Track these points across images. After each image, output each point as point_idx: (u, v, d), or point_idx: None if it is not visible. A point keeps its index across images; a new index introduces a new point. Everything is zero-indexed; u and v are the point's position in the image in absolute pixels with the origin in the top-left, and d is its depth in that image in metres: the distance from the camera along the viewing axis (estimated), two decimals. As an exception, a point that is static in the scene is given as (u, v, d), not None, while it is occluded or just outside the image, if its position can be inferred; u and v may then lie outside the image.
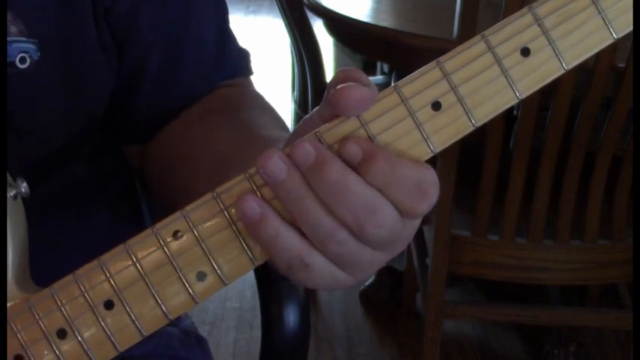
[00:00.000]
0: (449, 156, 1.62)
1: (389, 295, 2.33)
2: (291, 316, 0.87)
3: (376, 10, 2.13)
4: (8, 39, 0.68)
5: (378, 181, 0.52)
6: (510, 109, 1.87)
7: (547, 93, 1.58)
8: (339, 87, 0.52)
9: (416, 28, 1.90)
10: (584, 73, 1.55)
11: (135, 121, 0.79)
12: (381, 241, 0.53)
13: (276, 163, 0.52)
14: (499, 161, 1.64)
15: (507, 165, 1.64)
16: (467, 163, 1.67)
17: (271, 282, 0.88)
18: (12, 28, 0.68)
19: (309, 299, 0.90)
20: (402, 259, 2.23)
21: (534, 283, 1.87)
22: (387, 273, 2.33)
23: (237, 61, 0.82)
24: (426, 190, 0.52)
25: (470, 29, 1.49)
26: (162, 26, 0.75)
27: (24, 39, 0.69)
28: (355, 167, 0.52)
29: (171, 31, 0.76)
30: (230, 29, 0.82)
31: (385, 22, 2.00)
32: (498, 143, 1.63)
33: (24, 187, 0.58)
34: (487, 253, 1.72)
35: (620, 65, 1.56)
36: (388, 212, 0.52)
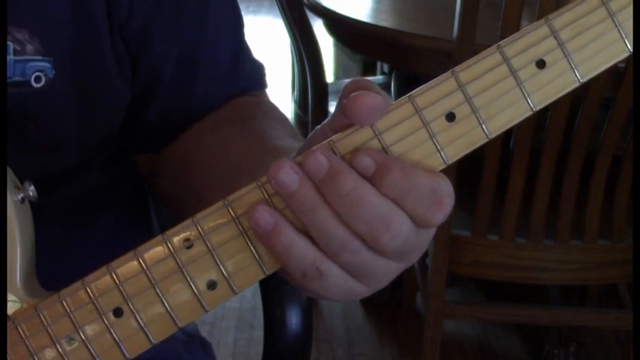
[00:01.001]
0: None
1: (389, 295, 2.32)
2: (293, 319, 0.87)
3: (376, 10, 2.13)
4: (24, 58, 0.68)
5: (393, 192, 0.52)
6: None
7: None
8: (352, 95, 0.52)
9: (416, 28, 1.90)
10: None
11: (148, 131, 0.79)
12: (395, 252, 0.53)
13: (287, 174, 0.52)
14: (499, 161, 1.64)
15: (507, 165, 1.64)
16: (467, 163, 1.67)
17: (274, 285, 0.88)
18: (28, 47, 0.68)
19: (311, 302, 0.90)
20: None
21: (534, 283, 1.87)
22: (387, 273, 2.32)
23: (252, 74, 0.82)
24: (442, 200, 0.52)
25: (470, 29, 1.49)
26: (177, 39, 0.75)
27: (40, 57, 0.68)
28: (369, 179, 0.52)
29: (186, 43, 0.76)
30: (245, 42, 0.82)
31: (385, 22, 2.00)
32: (498, 143, 1.63)
33: (31, 190, 0.58)
34: (487, 253, 1.72)
35: (620, 65, 1.56)
36: (403, 223, 0.52)
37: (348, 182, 0.51)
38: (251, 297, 2.38)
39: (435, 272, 1.74)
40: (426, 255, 1.83)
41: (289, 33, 2.30)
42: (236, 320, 2.31)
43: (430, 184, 0.52)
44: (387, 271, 0.54)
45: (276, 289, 0.90)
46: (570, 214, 1.67)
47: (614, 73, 1.56)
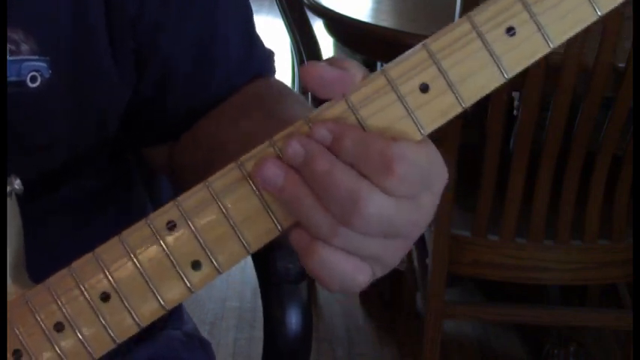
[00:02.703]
0: (449, 156, 1.62)
1: (389, 295, 2.32)
2: (293, 319, 0.87)
3: (376, 10, 2.13)
4: (20, 58, 0.68)
5: (347, 159, 0.50)
6: (510, 109, 1.87)
7: (547, 93, 1.59)
8: (301, 67, 0.53)
9: (416, 28, 1.90)
10: (584, 73, 1.55)
11: (163, 121, 0.79)
12: (380, 231, 0.51)
13: (270, 170, 0.52)
14: (499, 161, 1.64)
15: (507, 165, 1.64)
16: (467, 163, 1.67)
17: (273, 284, 0.88)
18: (23, 47, 0.68)
19: (311, 302, 0.90)
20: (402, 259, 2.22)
21: (534, 283, 1.87)
22: (387, 273, 2.32)
23: (263, 61, 0.82)
24: (390, 164, 0.49)
25: (470, 29, 1.49)
26: (190, 30, 0.75)
27: (35, 57, 0.68)
28: (330, 151, 0.51)
29: (199, 34, 0.76)
30: (255, 30, 0.82)
31: (385, 22, 2.00)
32: (498, 143, 1.63)
33: (17, 184, 0.58)
34: (487, 253, 1.72)
35: (620, 65, 1.56)
36: (371, 199, 0.50)
37: (322, 163, 0.50)
38: (251, 297, 2.38)
39: (435, 272, 1.74)
40: (426, 255, 1.83)
41: (289, 33, 2.30)
42: (236, 320, 2.31)
43: (379, 147, 0.50)
44: (387, 249, 0.53)
45: (275, 289, 0.90)
46: (570, 214, 1.67)
47: (614, 72, 1.56)
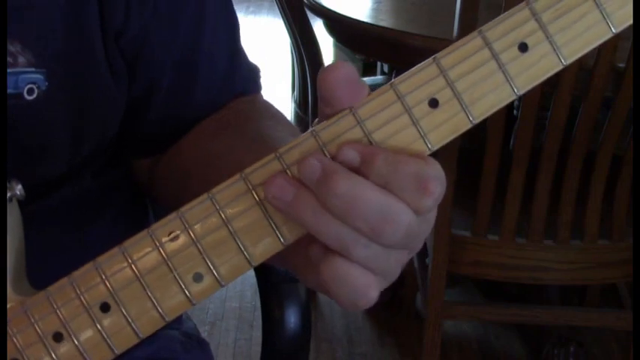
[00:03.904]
0: (449, 156, 1.62)
1: (389, 295, 2.32)
2: (292, 319, 0.87)
3: (376, 10, 2.13)
4: (17, 70, 0.68)
5: (379, 180, 0.51)
6: (510, 109, 1.87)
7: (547, 93, 1.59)
8: (321, 71, 0.52)
9: (416, 28, 1.90)
10: (584, 73, 1.55)
11: (147, 135, 0.79)
12: (400, 243, 0.52)
13: (280, 186, 0.52)
14: (499, 161, 1.64)
15: (507, 165, 1.64)
16: (467, 163, 1.67)
17: (272, 284, 0.88)
18: (20, 59, 0.68)
19: (310, 302, 0.90)
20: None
21: (534, 283, 1.87)
22: (387, 273, 2.32)
23: (248, 77, 0.82)
24: (427, 185, 0.51)
25: (470, 29, 1.48)
26: (174, 46, 0.75)
27: (32, 69, 0.68)
28: (357, 171, 0.51)
29: (183, 49, 0.76)
30: (241, 46, 0.82)
31: (385, 22, 2.00)
32: (498, 143, 1.63)
33: (19, 189, 0.58)
34: (487, 253, 1.72)
35: (620, 65, 1.56)
36: (401, 213, 0.51)
37: (342, 182, 0.51)
38: (251, 297, 2.38)
39: (435, 272, 1.74)
40: (426, 255, 1.83)
41: (289, 33, 2.30)
42: (236, 320, 2.31)
43: (413, 169, 0.51)
44: (399, 260, 0.54)
45: (275, 289, 0.90)
46: (570, 214, 1.67)
47: (614, 72, 1.56)
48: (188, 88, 0.77)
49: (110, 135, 0.77)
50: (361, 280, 0.52)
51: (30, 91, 0.69)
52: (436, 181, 0.51)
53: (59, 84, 0.70)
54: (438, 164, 0.52)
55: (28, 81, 0.68)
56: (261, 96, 0.83)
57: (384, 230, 0.51)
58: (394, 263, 0.54)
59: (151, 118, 0.78)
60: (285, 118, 0.79)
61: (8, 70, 0.67)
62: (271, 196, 0.52)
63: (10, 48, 0.67)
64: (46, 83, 0.69)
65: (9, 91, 0.67)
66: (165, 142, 0.79)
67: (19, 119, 0.68)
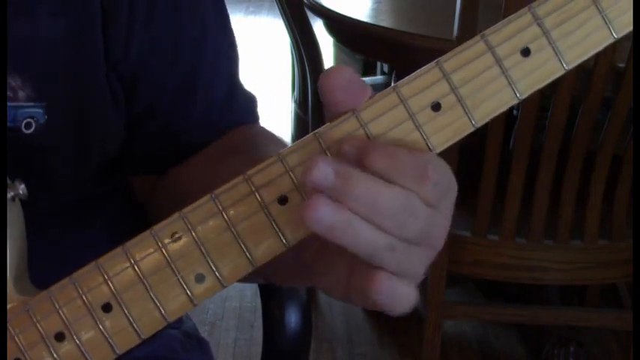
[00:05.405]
0: (449, 156, 1.61)
1: (389, 295, 2.32)
2: (292, 319, 0.87)
3: (376, 10, 2.13)
4: (16, 104, 0.68)
5: (379, 173, 0.51)
6: (510, 109, 1.87)
7: (547, 93, 1.59)
8: (322, 74, 0.52)
9: (416, 28, 1.90)
10: (584, 73, 1.55)
11: (145, 155, 0.79)
12: (421, 235, 0.52)
13: (321, 211, 0.50)
14: (499, 161, 1.64)
15: (507, 165, 1.64)
16: (467, 163, 1.67)
17: (273, 284, 0.88)
18: (20, 94, 0.68)
19: (310, 302, 0.90)
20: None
21: (534, 283, 1.87)
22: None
23: (245, 108, 0.82)
24: (425, 171, 0.51)
25: (470, 29, 1.49)
26: (174, 73, 0.75)
27: (31, 104, 0.68)
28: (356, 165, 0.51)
29: (183, 77, 0.76)
30: (239, 78, 0.81)
31: (385, 22, 2.00)
32: (498, 143, 1.63)
33: (22, 189, 0.58)
34: (487, 253, 1.72)
35: (620, 65, 1.56)
36: (417, 202, 0.51)
37: (361, 183, 0.50)
38: (251, 297, 2.38)
39: (435, 272, 1.74)
40: (426, 255, 1.82)
41: (289, 33, 2.30)
42: (236, 320, 2.31)
43: (410, 157, 0.51)
44: (423, 260, 0.53)
45: (275, 289, 0.90)
46: (570, 214, 1.67)
47: (614, 72, 1.56)
48: (184, 117, 0.77)
49: (112, 155, 0.77)
50: (404, 288, 0.53)
51: (27, 125, 0.69)
52: (434, 166, 0.51)
53: (60, 115, 0.70)
54: (435, 154, 0.52)
55: (26, 115, 0.69)
56: (260, 125, 0.83)
57: (406, 222, 0.51)
58: (418, 263, 0.53)
59: (150, 138, 0.77)
60: (280, 140, 0.79)
61: (8, 104, 0.67)
62: (310, 222, 0.50)
63: (11, 82, 0.67)
64: (45, 117, 0.69)
65: (7, 124, 0.67)
66: (165, 162, 0.78)
67: (17, 152, 0.68)
